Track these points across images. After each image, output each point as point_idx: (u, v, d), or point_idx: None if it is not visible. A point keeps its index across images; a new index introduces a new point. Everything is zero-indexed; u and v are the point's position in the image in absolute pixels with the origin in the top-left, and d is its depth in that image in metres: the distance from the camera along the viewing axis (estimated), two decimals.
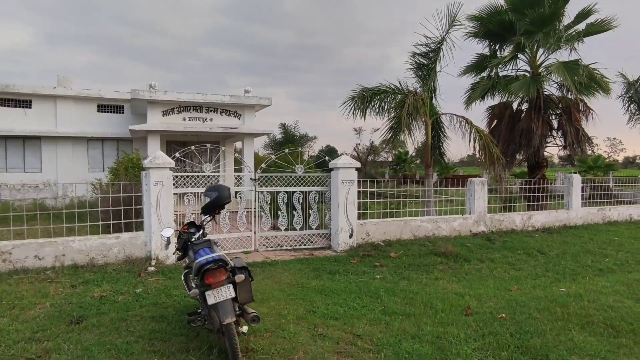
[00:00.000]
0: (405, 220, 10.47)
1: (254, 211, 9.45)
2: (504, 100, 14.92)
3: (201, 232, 5.05)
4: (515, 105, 14.80)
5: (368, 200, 10.44)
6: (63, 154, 19.39)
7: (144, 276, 7.24)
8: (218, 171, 10.11)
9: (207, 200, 5.09)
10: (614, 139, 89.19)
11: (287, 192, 9.68)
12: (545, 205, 12.73)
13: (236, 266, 4.25)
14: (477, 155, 11.73)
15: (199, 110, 17.52)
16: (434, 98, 12.28)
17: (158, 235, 8.05)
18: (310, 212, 9.82)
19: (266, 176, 9.59)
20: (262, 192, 9.52)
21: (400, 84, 11.87)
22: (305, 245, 9.83)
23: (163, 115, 16.92)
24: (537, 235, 11.18)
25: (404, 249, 9.33)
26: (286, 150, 10.19)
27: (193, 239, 4.93)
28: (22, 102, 19.14)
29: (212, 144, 21.41)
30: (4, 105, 18.92)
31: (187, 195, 8.71)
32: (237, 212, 9.35)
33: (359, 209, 10.30)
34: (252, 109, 18.42)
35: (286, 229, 9.78)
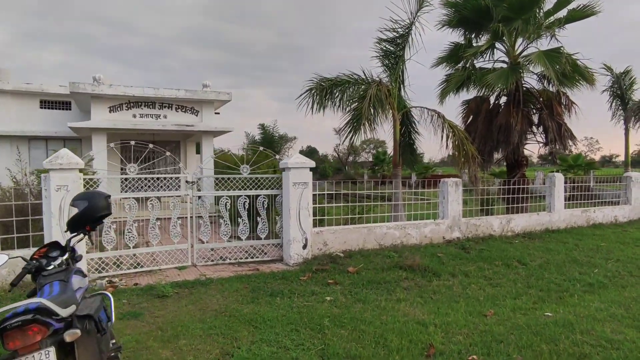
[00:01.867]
0: (369, 227, 9.19)
1: (191, 219, 8.05)
2: (481, 94, 13.80)
3: (65, 257, 3.65)
4: (492, 99, 13.70)
5: (326, 204, 9.12)
6: (3, 155, 17.57)
7: None
8: (152, 172, 8.66)
9: (75, 211, 3.71)
10: (591, 138, 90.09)
11: (230, 196, 8.31)
12: (526, 207, 11.63)
13: (77, 315, 2.85)
14: (451, 154, 10.52)
15: (151, 107, 15.95)
16: (402, 89, 11.04)
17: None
18: (259, 219, 8.47)
19: (203, 178, 8.21)
20: (199, 197, 8.13)
21: (365, 74, 10.61)
22: (255, 257, 8.46)
23: (110, 112, 15.30)
24: (517, 242, 10.02)
25: (366, 262, 8.04)
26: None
27: (50, 268, 3.51)
28: None
29: (171, 144, 19.95)
30: None
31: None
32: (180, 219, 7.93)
33: (318, 215, 8.99)
34: (211, 105, 16.93)
35: (230, 240, 8.42)
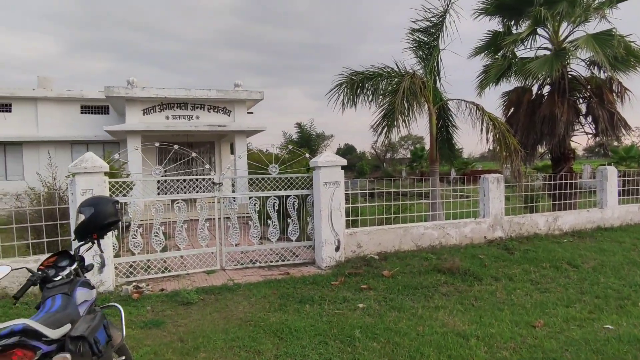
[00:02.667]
0: (406, 228, 8.72)
1: (219, 221, 7.84)
2: (522, 84, 12.97)
3: (73, 267, 3.44)
4: (535, 89, 12.84)
5: (360, 204, 8.71)
6: (45, 160, 18.14)
7: None
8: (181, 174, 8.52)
9: (81, 218, 3.50)
10: None
11: (259, 197, 8.06)
12: (574, 203, 10.79)
13: (70, 335, 2.60)
14: (492, 148, 9.86)
15: (183, 108, 16.02)
16: (438, 82, 10.46)
17: (88, 256, 6.49)
18: (289, 220, 8.17)
19: (237, 179, 8.00)
20: (227, 199, 7.92)
21: (397, 66, 10.09)
22: (285, 260, 8.17)
23: (144, 114, 15.47)
24: (565, 241, 9.28)
25: (402, 264, 7.60)
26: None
27: (58, 279, 3.31)
28: (2, 105, 17.99)
29: (205, 145, 20.03)
30: None
31: (132, 206, 7.17)
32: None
33: (352, 215, 8.61)
34: (243, 104, 16.84)
35: (260, 242, 8.17)
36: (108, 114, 19.01)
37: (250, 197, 8.02)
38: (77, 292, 3.13)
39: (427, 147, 43.82)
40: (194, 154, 8.01)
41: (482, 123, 9.82)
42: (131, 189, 7.64)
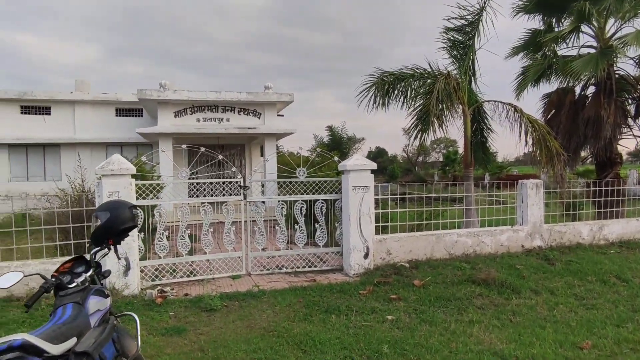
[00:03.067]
0: (438, 235, 8.34)
1: (245, 225, 7.70)
2: (564, 84, 12.32)
3: (89, 273, 3.31)
4: (578, 90, 12.17)
5: (390, 209, 8.39)
6: (82, 161, 18.62)
7: None
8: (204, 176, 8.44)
9: (97, 223, 3.38)
10: None
11: (285, 202, 7.88)
12: (622, 212, 10.11)
13: (75, 351, 2.44)
14: (531, 151, 9.33)
15: (214, 110, 16.08)
16: (473, 82, 10.02)
17: (111, 261, 6.45)
18: (317, 225, 7.95)
19: (259, 182, 7.85)
20: (254, 202, 7.76)
21: (431, 66, 9.71)
22: (313, 266, 7.95)
23: (175, 117, 15.61)
24: (612, 252, 8.67)
25: (434, 273, 7.23)
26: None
27: (72, 285, 3.18)
28: (42, 108, 18.61)
29: (235, 147, 20.09)
30: (25, 113, 18.45)
31: (158, 209, 7.11)
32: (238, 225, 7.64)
33: (382, 220, 8.31)
34: (273, 106, 16.76)
35: (287, 247, 7.98)
36: (142, 116, 19.35)
37: (277, 201, 7.84)
38: (89, 300, 3.00)
39: (461, 150, 42.91)
40: (220, 157, 7.89)
41: (521, 125, 9.32)
42: (158, 191, 7.60)
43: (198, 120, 15.86)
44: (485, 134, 10.73)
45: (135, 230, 6.67)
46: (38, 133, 18.23)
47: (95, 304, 3.03)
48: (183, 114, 15.69)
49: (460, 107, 9.55)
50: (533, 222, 8.81)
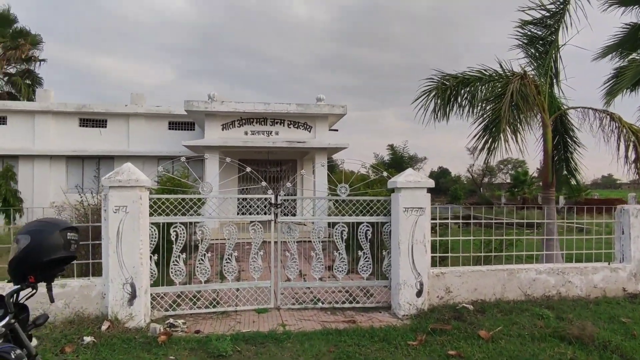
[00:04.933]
0: (511, 270, 6.74)
1: (275, 249, 6.57)
2: None
3: (6, 320, 2.32)
4: None
5: (450, 238, 6.90)
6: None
7: (69, 352, 4.72)
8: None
9: (16, 250, 2.38)
10: None
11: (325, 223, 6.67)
12: None
13: None
14: (634, 170, 7.47)
15: (262, 123, 15.31)
16: (555, 85, 8.34)
17: (117, 284, 5.55)
18: (360, 253, 6.66)
19: (292, 199, 6.72)
20: (284, 223, 6.62)
21: (502, 67, 8.15)
22: (354, 301, 6.64)
23: (223, 129, 15.01)
24: None
25: (506, 322, 5.67)
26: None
27: None
28: (98, 121, 18.85)
29: (288, 163, 19.26)
30: (83, 125, 18.76)
31: (175, 227, 6.15)
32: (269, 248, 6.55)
33: (439, 250, 6.88)
34: (325, 120, 15.73)
35: (323, 277, 6.74)
36: (194, 130, 19.09)
37: (312, 223, 6.66)
38: None
39: (531, 171, 39.55)
40: (248, 169, 6.85)
41: (619, 137, 7.50)
42: (198, 207, 6.69)
43: (246, 133, 15.15)
44: (570, 148, 8.92)
45: (146, 251, 5.74)
46: (94, 145, 18.44)
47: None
48: (231, 126, 15.05)
49: (539, 114, 7.91)
50: (639, 259, 6.95)
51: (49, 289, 2.60)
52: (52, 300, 2.63)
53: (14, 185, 17.59)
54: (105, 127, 18.80)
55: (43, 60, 25.74)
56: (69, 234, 2.48)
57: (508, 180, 57.47)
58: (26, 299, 2.51)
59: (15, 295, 2.42)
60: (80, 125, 18.68)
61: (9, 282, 2.47)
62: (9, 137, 18.02)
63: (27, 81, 25.01)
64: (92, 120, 18.76)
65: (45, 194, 17.52)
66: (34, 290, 2.47)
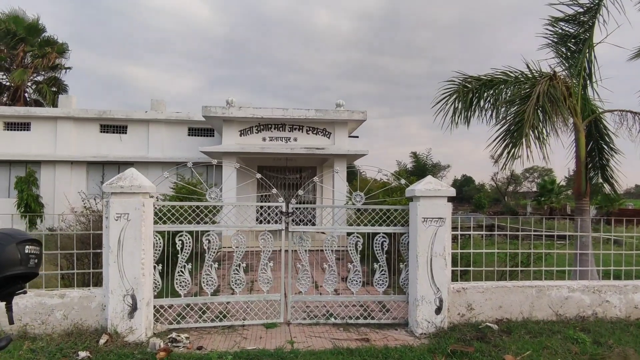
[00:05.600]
0: (540, 287, 6.20)
1: (285, 260, 6.21)
2: None
3: None
4: None
5: (473, 250, 6.41)
6: (152, 180, 18.55)
7: None
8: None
9: None
10: None
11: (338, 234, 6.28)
12: None
13: None
14: None
15: (281, 129, 15.03)
16: (588, 87, 7.76)
17: (117, 296, 5.27)
18: (376, 265, 6.24)
19: (304, 207, 6.36)
20: (295, 233, 6.26)
21: (529, 67, 7.61)
22: (369, 317, 6.21)
23: (240, 135, 14.78)
24: None
25: (535, 344, 5.16)
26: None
27: None
28: (119, 127, 18.93)
29: (307, 170, 18.95)
30: (104, 132, 18.88)
31: (181, 236, 5.86)
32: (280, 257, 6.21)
33: (460, 264, 6.40)
34: (344, 125, 15.34)
35: (336, 290, 6.34)
36: (213, 136, 18.98)
37: (324, 232, 6.29)
38: None
39: (559, 179, 38.20)
40: (258, 175, 6.54)
41: None
42: (213, 214, 6.44)
43: (264, 139, 14.89)
44: (605, 155, 8.29)
45: (149, 261, 5.46)
46: (114, 151, 18.51)
47: None
48: (249, 132, 14.82)
49: (571, 119, 7.36)
50: None
51: (8, 310, 2.29)
52: (11, 322, 2.30)
53: (36, 191, 17.83)
54: (126, 133, 18.87)
55: (69, 68, 26.22)
56: (27, 247, 2.16)
57: (534, 189, 55.80)
58: None
59: None
60: (101, 131, 18.80)
61: None
62: (32, 142, 18.27)
63: (53, 88, 25.49)
64: (113, 127, 18.86)
65: (65, 200, 17.65)
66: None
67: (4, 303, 2.29)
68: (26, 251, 2.16)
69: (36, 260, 2.24)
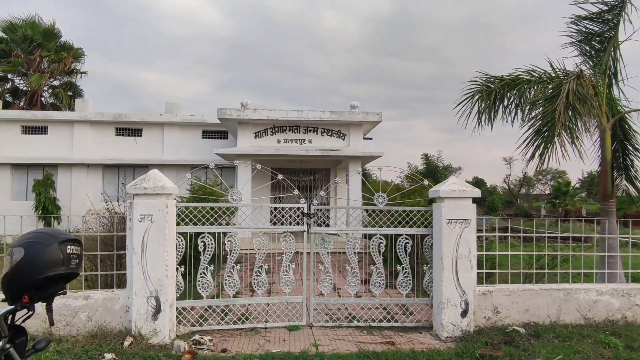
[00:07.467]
0: (568, 290, 6.07)
1: (307, 262, 6.16)
2: None
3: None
4: None
5: (498, 252, 6.30)
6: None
7: None
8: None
9: (9, 265, 2.07)
10: None
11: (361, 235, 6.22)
12: None
13: None
14: None
15: (295, 131, 15.02)
16: (614, 86, 7.62)
17: (141, 298, 5.26)
18: (399, 267, 6.16)
19: (326, 209, 6.31)
20: (317, 235, 6.21)
21: (553, 66, 7.48)
22: (392, 319, 6.13)
23: (255, 137, 14.80)
24: None
25: (565, 349, 5.04)
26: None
27: None
28: (134, 130, 19.07)
29: (321, 171, 18.92)
30: (119, 135, 19.02)
31: (203, 237, 5.84)
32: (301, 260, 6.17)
33: (485, 266, 6.29)
34: (359, 127, 15.29)
35: (358, 293, 6.28)
36: (227, 138, 19.03)
37: (346, 234, 6.23)
38: None
39: (574, 182, 37.65)
40: (280, 176, 6.50)
41: None
42: (229, 216, 6.42)
43: (278, 141, 14.89)
44: (630, 155, 8.12)
45: (172, 262, 5.44)
46: (130, 154, 18.63)
47: None
48: (263, 134, 14.83)
49: (597, 119, 7.22)
50: None
51: (49, 310, 2.26)
52: (51, 323, 2.29)
53: (53, 193, 18.01)
54: (141, 136, 18.99)
55: (84, 72, 26.49)
56: (69, 247, 2.14)
57: (547, 191, 55.13)
58: (23, 321, 2.19)
59: (10, 316, 2.11)
60: (116, 135, 18.95)
61: (3, 301, 2.12)
62: (49, 146, 18.47)
63: (69, 93, 25.79)
64: (128, 130, 19.00)
65: (82, 202, 17.80)
66: (30, 312, 2.14)
67: (45, 304, 2.28)
68: (68, 251, 2.14)
69: (77, 261, 2.23)
